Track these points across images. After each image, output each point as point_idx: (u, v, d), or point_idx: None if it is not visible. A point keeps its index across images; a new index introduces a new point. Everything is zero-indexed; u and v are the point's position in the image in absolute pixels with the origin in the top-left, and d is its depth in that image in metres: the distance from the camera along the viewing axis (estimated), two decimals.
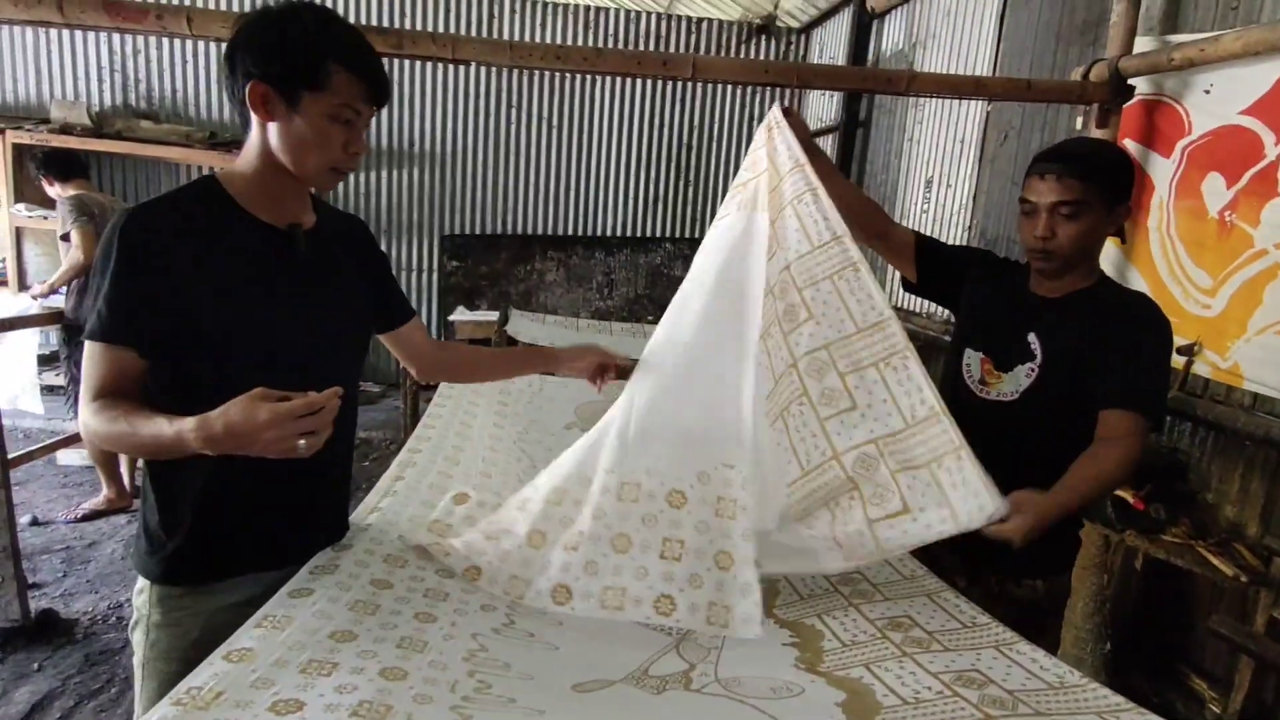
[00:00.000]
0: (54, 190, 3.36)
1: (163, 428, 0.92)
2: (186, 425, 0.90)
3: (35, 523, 3.25)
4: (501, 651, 1.12)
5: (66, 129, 4.65)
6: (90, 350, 1.01)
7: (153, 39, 5.20)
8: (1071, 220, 1.34)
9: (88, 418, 0.99)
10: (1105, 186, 1.35)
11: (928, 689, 1.03)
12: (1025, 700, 0.97)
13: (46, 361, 4.91)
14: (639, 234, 6.12)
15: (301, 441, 0.88)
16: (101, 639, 2.45)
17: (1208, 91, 2.34)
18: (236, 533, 1.13)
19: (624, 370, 1.49)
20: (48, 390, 4.66)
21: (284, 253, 1.11)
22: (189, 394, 0.97)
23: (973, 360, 1.52)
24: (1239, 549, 2.07)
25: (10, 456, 2.43)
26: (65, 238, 3.22)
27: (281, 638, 0.97)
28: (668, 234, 6.16)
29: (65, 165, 3.37)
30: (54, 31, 5.11)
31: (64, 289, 3.30)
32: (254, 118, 1.04)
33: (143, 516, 1.14)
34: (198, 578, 1.12)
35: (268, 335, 1.08)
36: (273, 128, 1.04)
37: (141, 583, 1.13)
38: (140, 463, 1.19)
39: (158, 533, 1.11)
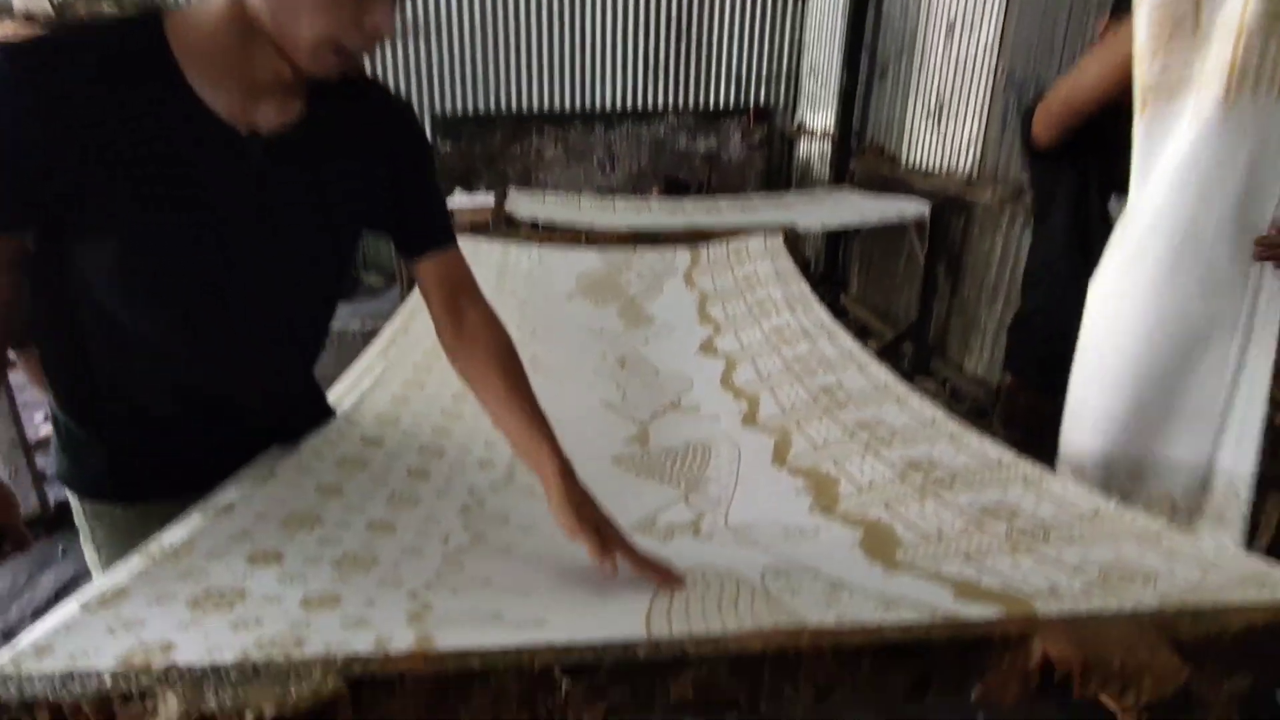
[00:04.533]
0: None
1: None
2: None
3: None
4: (499, 505, 1.06)
5: (29, 18, 4.36)
6: None
7: None
8: None
9: None
10: None
11: (951, 524, 0.97)
12: (1059, 528, 0.90)
13: None
14: (640, 107, 5.78)
15: None
16: None
17: None
18: (175, 453, 0.96)
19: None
20: None
21: (238, 162, 0.81)
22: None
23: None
24: None
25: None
26: None
27: (262, 492, 0.91)
28: (670, 105, 5.81)
29: None
30: None
31: None
32: None
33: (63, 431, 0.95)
34: (141, 494, 0.95)
35: (194, 265, 0.82)
36: None
37: (74, 501, 0.98)
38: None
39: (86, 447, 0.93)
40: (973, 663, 0.59)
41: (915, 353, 3.96)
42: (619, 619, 0.68)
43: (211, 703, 0.49)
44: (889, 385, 1.52)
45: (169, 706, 0.49)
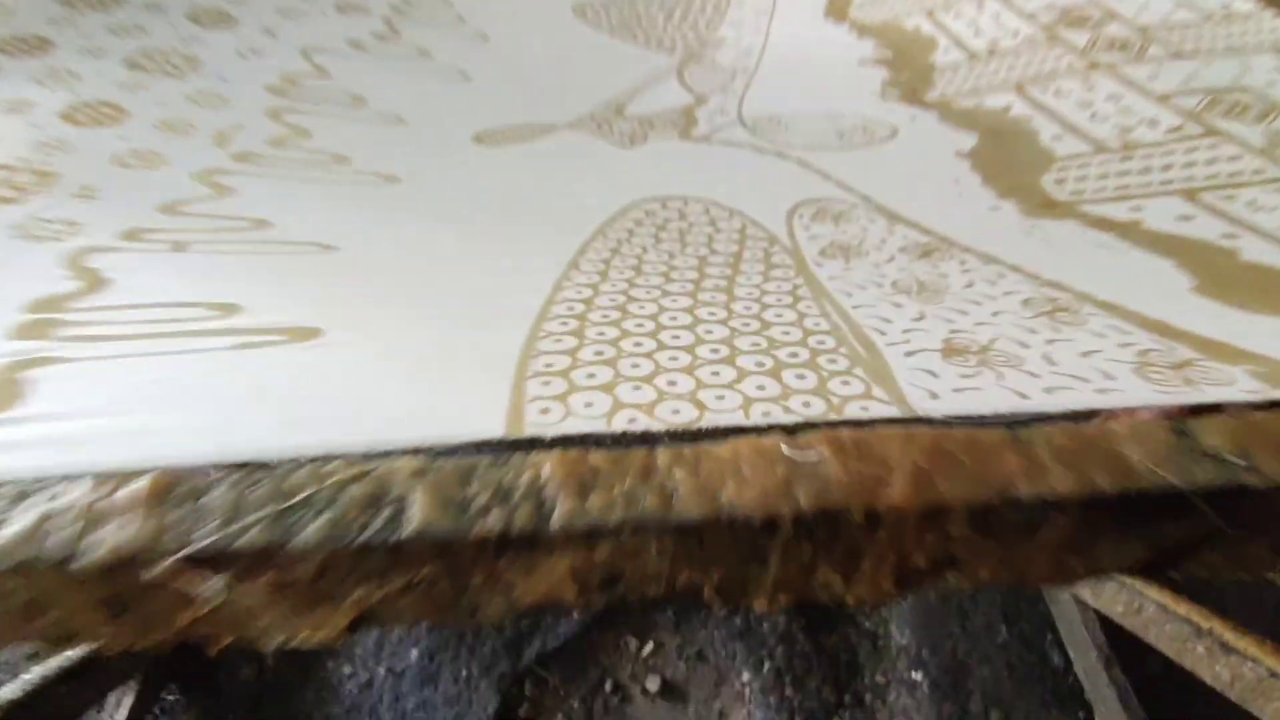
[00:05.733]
0: None
1: None
2: None
3: None
4: (355, 79, 0.63)
5: None
6: None
7: None
8: None
9: None
10: None
11: (1155, 123, 0.53)
12: None
13: None
14: None
15: None
16: None
17: None
18: None
19: None
20: None
21: None
22: None
23: None
24: None
25: None
26: None
27: None
28: None
29: None
30: None
31: None
32: None
33: None
34: None
35: None
36: None
37: None
38: None
39: None
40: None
41: None
42: (472, 391, 0.31)
43: None
44: None
45: None
